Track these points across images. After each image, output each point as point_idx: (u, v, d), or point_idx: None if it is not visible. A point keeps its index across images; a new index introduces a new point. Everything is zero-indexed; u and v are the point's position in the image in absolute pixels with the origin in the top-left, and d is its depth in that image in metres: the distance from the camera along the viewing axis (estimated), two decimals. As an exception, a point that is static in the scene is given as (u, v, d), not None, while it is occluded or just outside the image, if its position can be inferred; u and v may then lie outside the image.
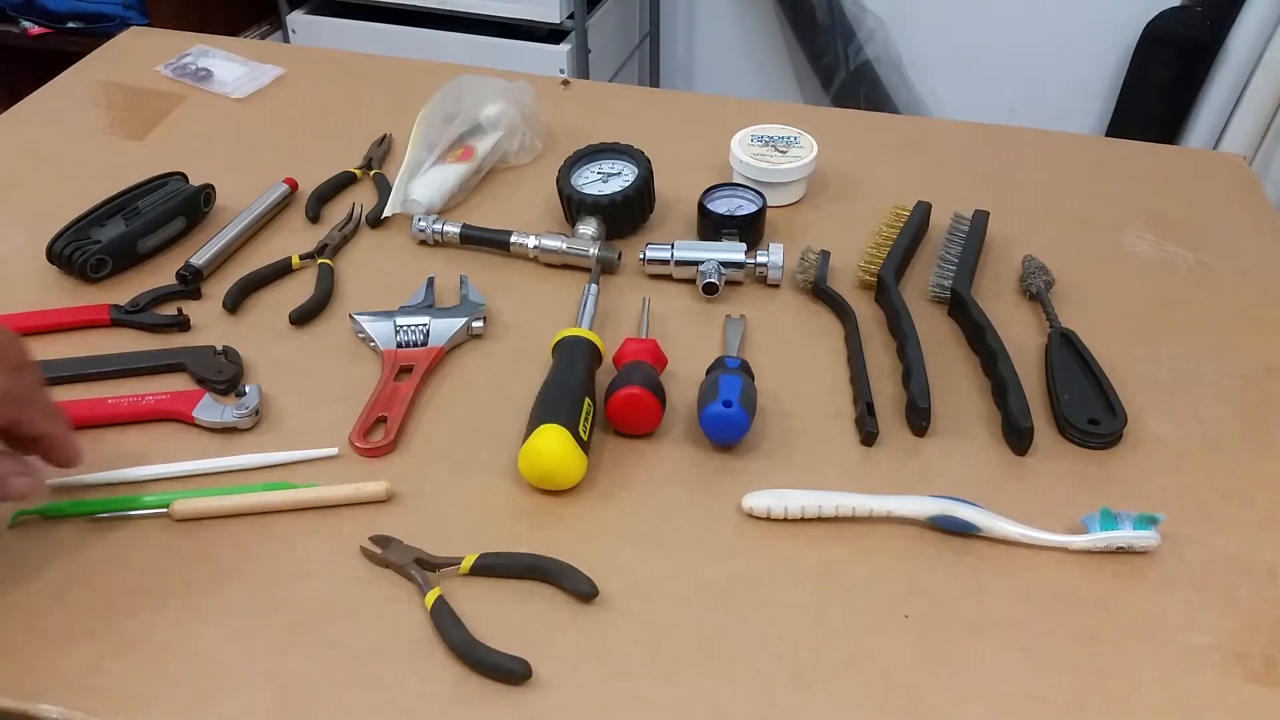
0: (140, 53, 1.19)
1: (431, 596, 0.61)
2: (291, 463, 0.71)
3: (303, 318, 0.82)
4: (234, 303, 0.83)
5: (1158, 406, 0.76)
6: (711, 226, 0.90)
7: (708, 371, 0.76)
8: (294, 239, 0.91)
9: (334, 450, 0.71)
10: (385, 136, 1.04)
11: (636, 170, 0.91)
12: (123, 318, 0.81)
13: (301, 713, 0.56)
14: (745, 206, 0.91)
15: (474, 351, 0.81)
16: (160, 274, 0.86)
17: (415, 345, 0.78)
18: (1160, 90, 2.22)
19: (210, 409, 0.73)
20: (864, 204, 0.97)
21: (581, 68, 2.14)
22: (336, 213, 0.94)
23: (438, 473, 0.70)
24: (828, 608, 0.62)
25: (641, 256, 0.87)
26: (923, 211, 0.92)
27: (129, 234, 0.86)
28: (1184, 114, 2.22)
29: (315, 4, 2.24)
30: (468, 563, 0.63)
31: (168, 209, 0.88)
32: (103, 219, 0.87)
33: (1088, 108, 2.41)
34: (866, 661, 0.60)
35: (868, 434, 0.73)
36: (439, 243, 0.90)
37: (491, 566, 0.63)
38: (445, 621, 0.60)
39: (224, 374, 0.76)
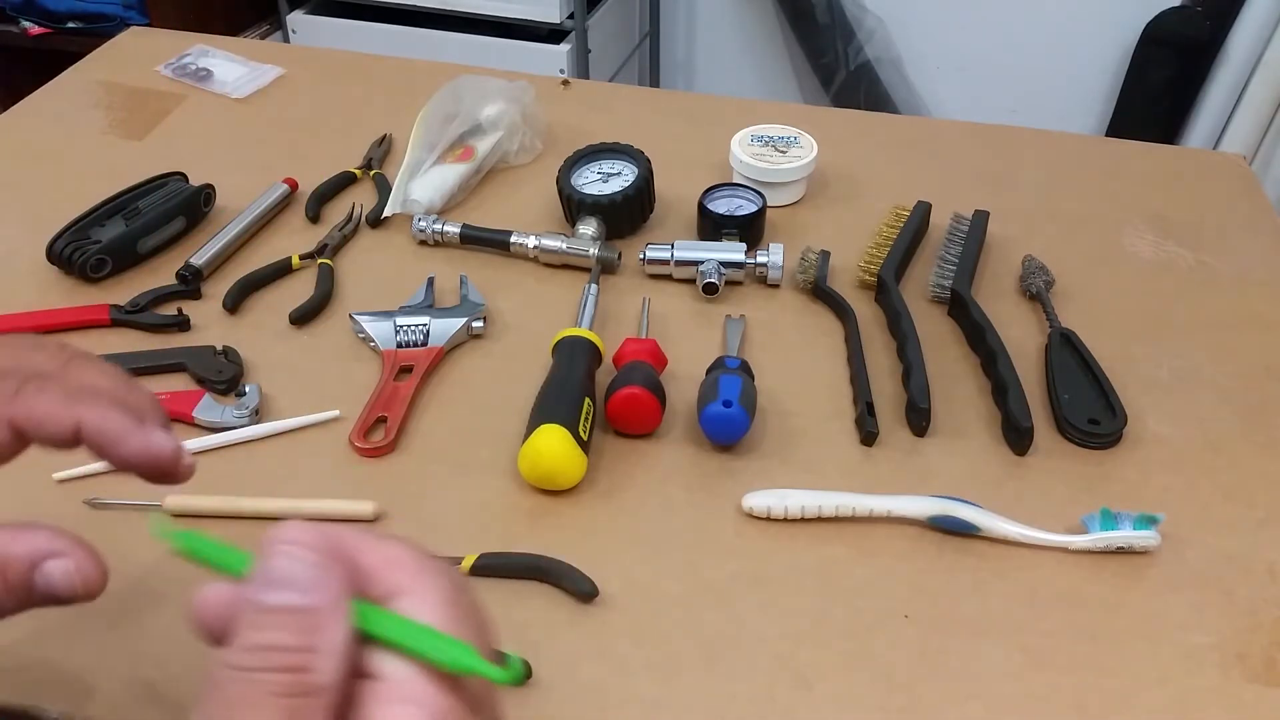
0: (140, 53, 1.19)
1: (431, 596, 0.61)
2: (295, 429, 0.72)
3: (303, 318, 0.82)
4: (234, 303, 0.83)
5: (1158, 406, 0.76)
6: (711, 226, 0.90)
7: (708, 371, 0.76)
8: (294, 239, 0.91)
9: (335, 413, 0.73)
10: (385, 136, 1.04)
11: (636, 170, 0.91)
12: (123, 318, 0.81)
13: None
14: (745, 206, 0.91)
15: (474, 351, 0.81)
16: (160, 274, 0.86)
17: (415, 345, 0.78)
18: (1160, 90, 2.22)
19: (210, 409, 0.73)
20: (864, 204, 0.97)
21: (581, 68, 2.14)
22: (336, 213, 0.94)
23: (438, 473, 0.70)
24: (828, 608, 0.62)
25: (641, 256, 0.87)
26: (923, 211, 0.92)
27: (129, 234, 0.86)
28: (1184, 114, 2.22)
29: (315, 4, 2.24)
30: (468, 563, 0.63)
31: (168, 209, 0.88)
32: (103, 219, 0.87)
33: (1088, 108, 2.41)
34: (866, 661, 0.60)
35: (868, 434, 0.73)
36: (439, 243, 0.90)
37: (491, 566, 0.63)
38: (445, 621, 0.60)
39: (224, 374, 0.76)
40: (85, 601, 0.39)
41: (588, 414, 0.70)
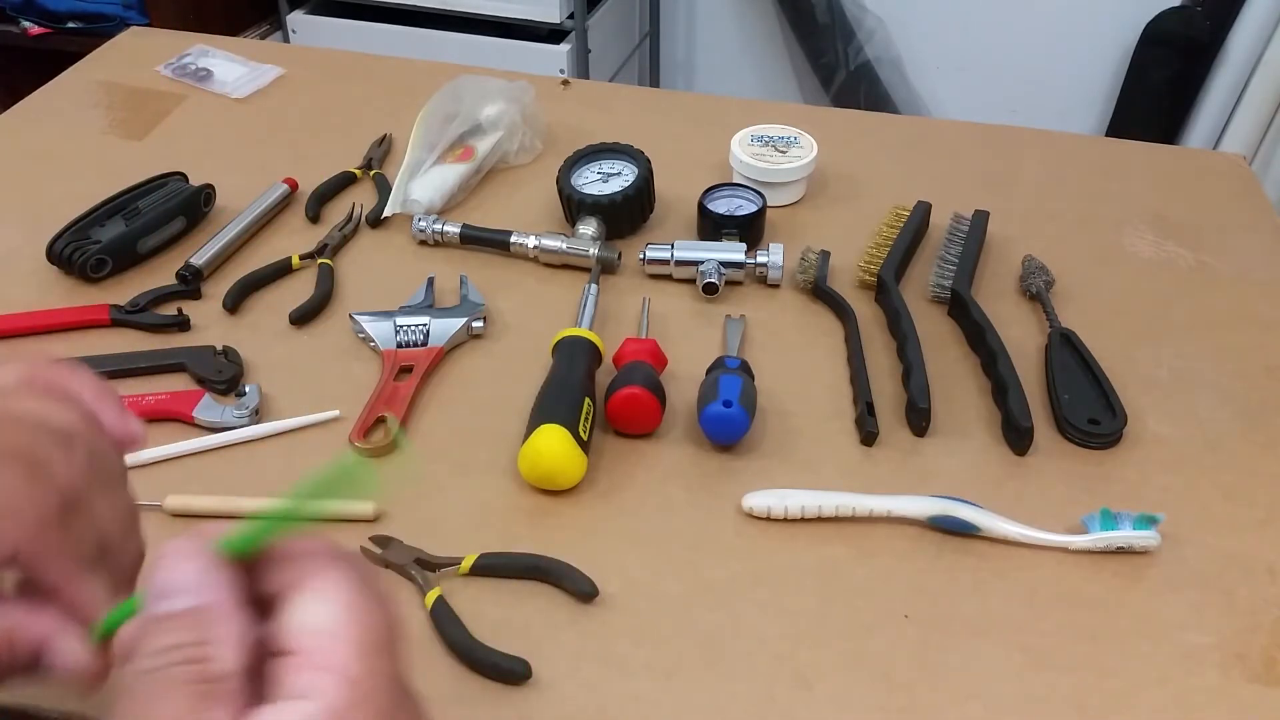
0: (140, 53, 1.19)
1: (431, 596, 0.61)
2: (295, 429, 0.72)
3: (303, 318, 0.82)
4: (234, 303, 0.83)
5: (1158, 406, 0.76)
6: (711, 226, 0.90)
7: (708, 371, 0.76)
8: (294, 239, 0.91)
9: (335, 413, 0.73)
10: (385, 136, 1.04)
11: (636, 170, 0.91)
12: (123, 318, 0.81)
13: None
14: (745, 206, 0.91)
15: (474, 351, 0.81)
16: (160, 274, 0.86)
17: (415, 345, 0.78)
18: (1160, 90, 2.22)
19: (210, 409, 0.73)
20: (864, 204, 0.97)
21: (581, 68, 2.14)
22: (336, 213, 0.94)
23: (438, 473, 0.70)
24: (828, 608, 0.62)
25: (641, 256, 0.87)
26: (923, 211, 0.92)
27: (129, 234, 0.86)
28: (1184, 114, 2.22)
29: (315, 4, 2.24)
30: (468, 563, 0.63)
31: (168, 209, 0.88)
32: (103, 219, 0.87)
33: (1088, 108, 2.41)
34: (866, 661, 0.60)
35: (868, 434, 0.73)
36: (439, 243, 0.90)
37: (491, 566, 0.63)
38: (445, 621, 0.60)
39: (224, 374, 0.76)
40: (83, 693, 0.39)
41: (588, 414, 0.70)
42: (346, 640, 0.30)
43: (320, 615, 0.31)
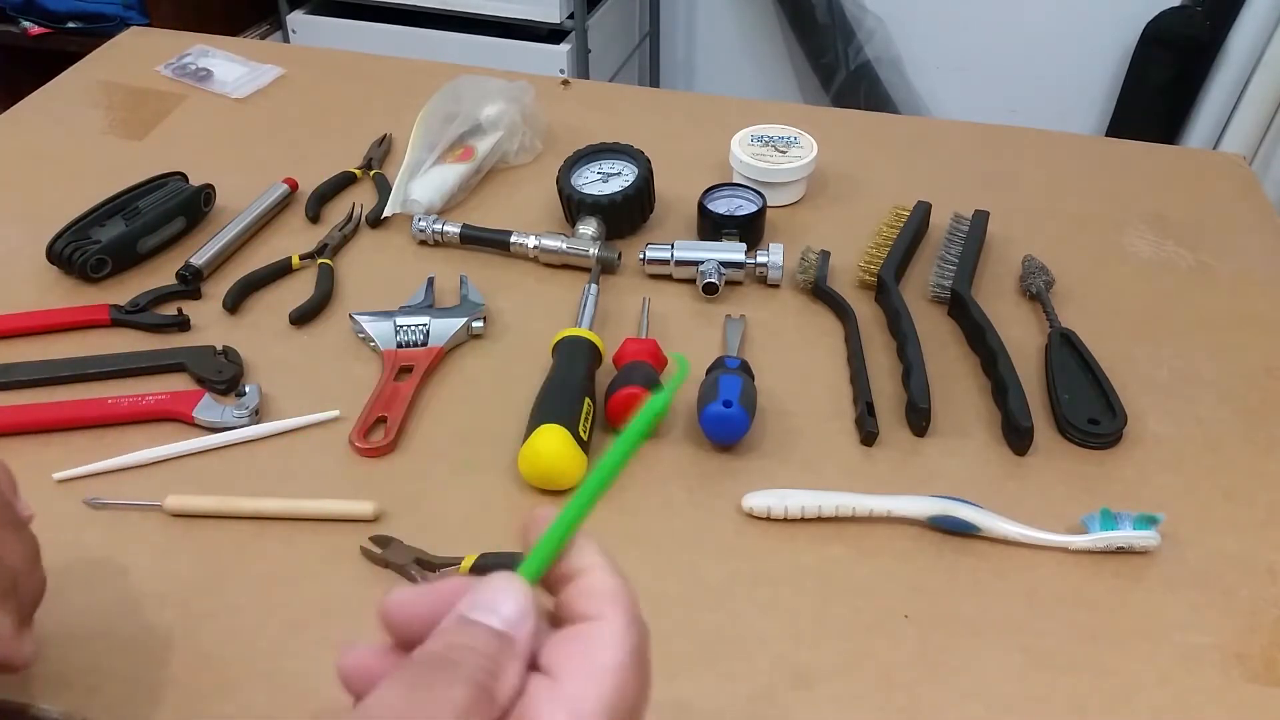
0: (140, 53, 1.19)
1: (431, 596, 0.61)
2: (294, 429, 0.72)
3: (303, 318, 0.82)
4: (234, 303, 0.83)
5: (1158, 406, 0.76)
6: (711, 226, 0.90)
7: (708, 371, 0.76)
8: (294, 239, 0.91)
9: (335, 413, 0.73)
10: (385, 136, 1.04)
11: (636, 170, 0.91)
12: (123, 318, 0.81)
13: (301, 713, 0.56)
14: (745, 206, 0.91)
15: (474, 351, 0.81)
16: (160, 274, 0.86)
17: (415, 345, 0.78)
18: (1160, 90, 2.22)
19: (210, 409, 0.73)
20: (864, 204, 0.97)
21: (581, 68, 2.14)
22: (336, 213, 0.94)
23: (438, 473, 0.70)
24: (828, 608, 0.62)
25: (641, 256, 0.87)
26: (923, 211, 0.92)
27: (129, 234, 0.86)
28: (1184, 114, 2.22)
29: (315, 4, 2.24)
30: (468, 563, 0.63)
31: (168, 209, 0.88)
32: (103, 219, 0.87)
33: (1088, 108, 2.41)
34: (866, 661, 0.60)
35: (868, 434, 0.73)
36: (439, 243, 0.90)
37: (491, 567, 0.63)
38: (445, 621, 0.60)
39: (224, 374, 0.76)
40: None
41: (588, 414, 0.70)
42: (597, 697, 0.32)
43: (588, 661, 0.32)
